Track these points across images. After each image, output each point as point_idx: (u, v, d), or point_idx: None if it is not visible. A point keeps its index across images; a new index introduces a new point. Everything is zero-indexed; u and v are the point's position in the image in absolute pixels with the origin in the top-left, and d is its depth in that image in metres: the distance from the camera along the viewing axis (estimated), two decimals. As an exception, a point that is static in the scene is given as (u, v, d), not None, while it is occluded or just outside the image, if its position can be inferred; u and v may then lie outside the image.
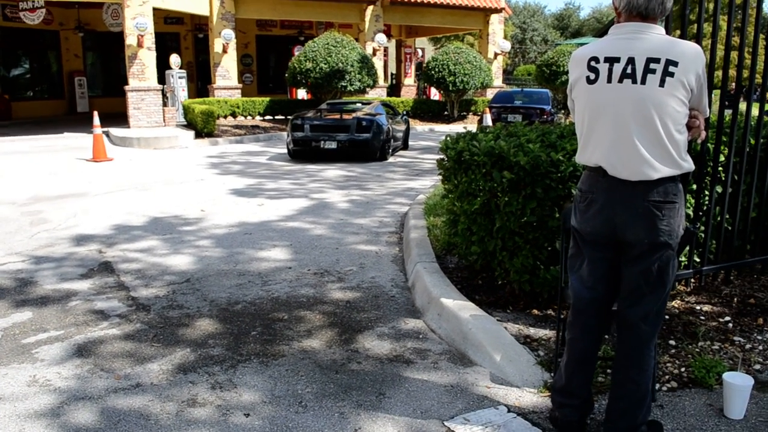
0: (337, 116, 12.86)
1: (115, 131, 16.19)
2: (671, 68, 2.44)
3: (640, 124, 2.48)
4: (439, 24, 25.31)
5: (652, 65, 2.46)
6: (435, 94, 26.82)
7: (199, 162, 12.49)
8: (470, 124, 22.54)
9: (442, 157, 4.83)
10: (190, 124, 17.21)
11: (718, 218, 4.33)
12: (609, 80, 2.52)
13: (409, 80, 30.40)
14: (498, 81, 25.94)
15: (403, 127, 14.91)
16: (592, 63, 2.57)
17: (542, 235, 3.99)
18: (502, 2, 25.34)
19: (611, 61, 2.52)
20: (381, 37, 23.00)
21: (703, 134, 2.65)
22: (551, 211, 3.93)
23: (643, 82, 2.46)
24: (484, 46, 26.06)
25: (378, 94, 22.33)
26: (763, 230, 4.71)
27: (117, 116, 19.26)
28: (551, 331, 3.80)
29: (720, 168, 4.26)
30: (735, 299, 4.29)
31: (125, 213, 7.62)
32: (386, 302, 4.55)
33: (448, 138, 4.73)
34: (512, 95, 16.24)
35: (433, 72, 22.11)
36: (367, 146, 12.54)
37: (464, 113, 23.98)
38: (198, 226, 6.96)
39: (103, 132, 14.75)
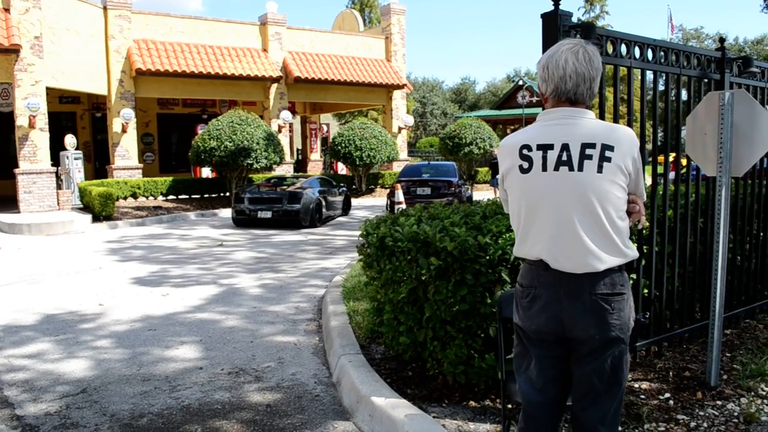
0: (272, 189, 15.15)
1: (3, 217, 15.11)
2: (608, 153, 2.34)
3: (582, 213, 2.35)
4: (343, 100, 25.66)
5: (588, 151, 2.35)
6: (342, 169, 26.94)
7: (96, 248, 11.73)
8: (379, 197, 22.67)
9: (362, 242, 4.60)
10: (87, 207, 16.33)
11: (645, 291, 4.30)
12: (544, 168, 2.39)
13: (316, 155, 30.48)
14: (404, 154, 26.39)
15: (341, 198, 17.13)
16: (524, 151, 2.43)
17: (475, 322, 3.79)
18: (403, 79, 26.05)
19: (544, 148, 2.40)
20: (286, 114, 23.01)
21: (644, 219, 2.55)
22: (482, 297, 3.75)
23: (581, 168, 2.34)
24: (388, 120, 26.56)
25: (285, 170, 22.15)
26: (685, 300, 4.73)
27: (7, 200, 18.09)
28: (492, 425, 3.55)
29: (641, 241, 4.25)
30: (671, 373, 4.22)
31: (12, 311, 6.90)
32: (311, 403, 4.18)
33: (369, 222, 4.53)
34: (420, 168, 16.42)
35: (339, 147, 22.21)
36: (298, 215, 14.41)
37: (372, 186, 24.11)
38: (96, 323, 6.36)
39: (-11, 219, 13.73)
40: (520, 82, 49.01)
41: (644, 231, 4.29)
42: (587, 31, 3.72)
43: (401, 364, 4.53)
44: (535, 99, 43.27)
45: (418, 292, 3.95)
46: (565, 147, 2.36)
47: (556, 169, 2.36)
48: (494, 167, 20.86)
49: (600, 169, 2.33)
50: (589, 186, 2.33)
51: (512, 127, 50.79)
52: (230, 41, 22.09)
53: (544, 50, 3.70)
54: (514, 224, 2.55)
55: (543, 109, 2.55)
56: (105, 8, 19.47)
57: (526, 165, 2.42)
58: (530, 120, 46.07)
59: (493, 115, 43.04)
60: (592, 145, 2.34)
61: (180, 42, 20.99)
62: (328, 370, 4.81)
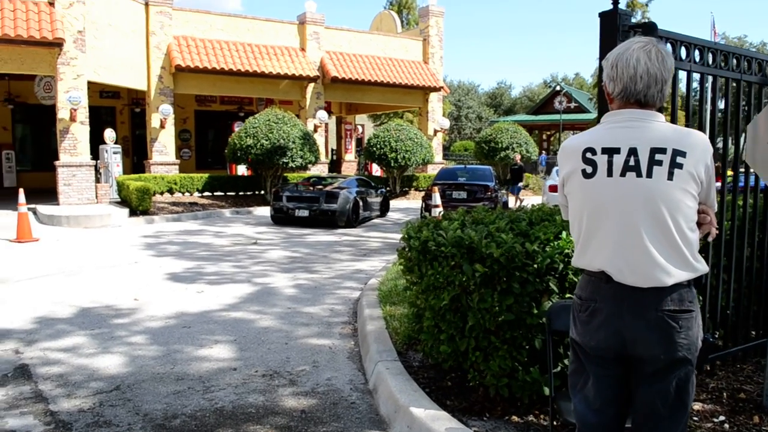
0: (311, 188, 15.19)
1: (43, 209, 15.32)
2: (679, 159, 2.17)
3: (650, 223, 2.18)
4: (379, 102, 25.59)
5: (658, 156, 2.18)
6: (377, 170, 26.84)
7: (133, 242, 11.80)
8: (413, 200, 22.53)
9: (403, 245, 4.47)
10: (124, 202, 16.49)
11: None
12: (609, 174, 2.23)
13: (350, 156, 30.47)
14: (439, 157, 26.21)
15: (379, 199, 17.19)
16: (588, 155, 2.27)
17: (520, 333, 3.63)
18: (440, 81, 25.88)
19: (610, 152, 2.24)
20: (322, 114, 23.01)
21: (714, 231, 2.37)
22: (529, 307, 3.60)
23: (649, 175, 2.18)
24: (423, 123, 26.41)
25: (319, 170, 22.14)
26: (740, 317, 4.50)
27: (47, 192, 18.34)
28: (535, 444, 3.40)
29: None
30: (724, 394, 4.01)
31: (50, 303, 6.92)
32: (346, 411, 4.06)
33: (410, 225, 4.39)
34: (456, 172, 16.23)
35: (374, 149, 22.12)
36: (334, 214, 14.43)
37: (406, 189, 23.99)
38: (131, 318, 6.34)
39: (30, 210, 13.93)
40: (558, 88, 48.53)
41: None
42: (649, 31, 3.53)
43: (440, 373, 4.39)
44: (573, 105, 42.81)
45: (461, 300, 3.81)
46: (633, 151, 2.20)
47: (623, 174, 2.20)
48: (515, 174, 20.41)
49: (670, 176, 2.17)
50: (659, 194, 2.17)
51: (548, 133, 50.28)
52: (269, 40, 22.17)
53: (601, 50, 3.53)
54: (574, 233, 2.39)
55: (603, 110, 2.40)
56: (147, 4, 19.68)
57: (589, 169, 2.26)
58: (568, 126, 45.56)
59: (529, 120, 42.63)
60: (663, 150, 2.18)
61: (219, 39, 21.12)
62: (364, 377, 4.69)
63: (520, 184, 20.01)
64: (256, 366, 4.92)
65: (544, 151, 23.35)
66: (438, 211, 9.91)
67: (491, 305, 3.59)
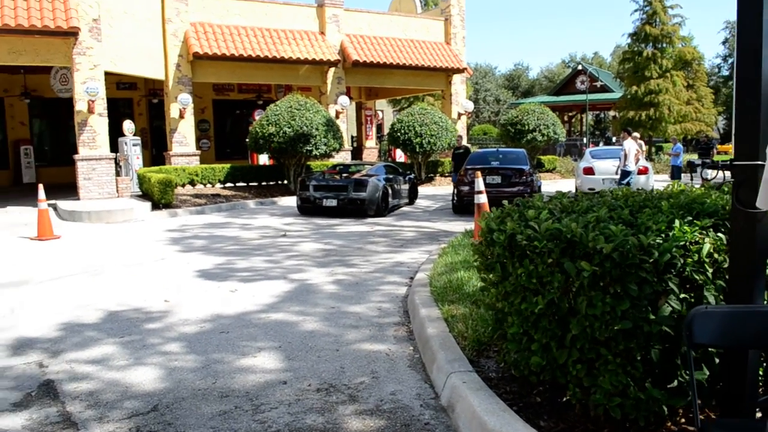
0: (337, 177, 14.74)
1: (64, 204, 14.88)
2: None
3: None
4: (401, 85, 24.90)
5: None
6: (400, 156, 26.21)
7: (157, 237, 11.30)
8: (439, 186, 21.90)
9: (478, 241, 3.88)
10: (145, 195, 16.01)
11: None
12: None
13: (371, 142, 29.82)
14: (464, 140, 25.48)
15: (407, 186, 16.55)
16: None
17: (637, 344, 3.03)
18: (463, 62, 25.14)
19: None
20: (344, 99, 22.38)
21: None
22: (646, 312, 2.99)
23: None
24: (447, 106, 25.70)
25: (343, 157, 21.55)
26: None
27: (66, 187, 17.93)
28: (663, 479, 2.80)
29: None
30: None
31: (75, 306, 6.42)
32: (422, 434, 3.49)
33: (490, 216, 3.79)
34: (488, 156, 15.54)
35: (399, 134, 21.46)
36: (363, 203, 13.89)
37: (431, 175, 23.35)
38: (163, 322, 5.81)
39: (50, 205, 13.50)
40: (579, 67, 47.43)
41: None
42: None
43: (525, 386, 3.79)
44: (598, 84, 41.79)
45: (560, 304, 3.21)
46: None
47: None
48: (458, 159, 18.28)
49: None
50: None
51: (570, 114, 49.26)
52: (287, 24, 21.53)
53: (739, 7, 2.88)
54: None
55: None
56: (162, -9, 19.12)
57: None
58: (594, 106, 44.52)
59: (550, 102, 41.62)
60: None
61: (237, 25, 20.52)
62: (433, 390, 4.11)
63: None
64: (308, 378, 4.36)
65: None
66: (481, 200, 9.21)
67: (602, 311, 2.99)
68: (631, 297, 2.97)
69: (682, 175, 20.89)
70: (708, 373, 3.18)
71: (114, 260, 8.99)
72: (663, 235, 3.13)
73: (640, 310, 2.98)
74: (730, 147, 35.10)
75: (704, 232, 3.21)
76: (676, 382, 3.15)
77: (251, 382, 4.31)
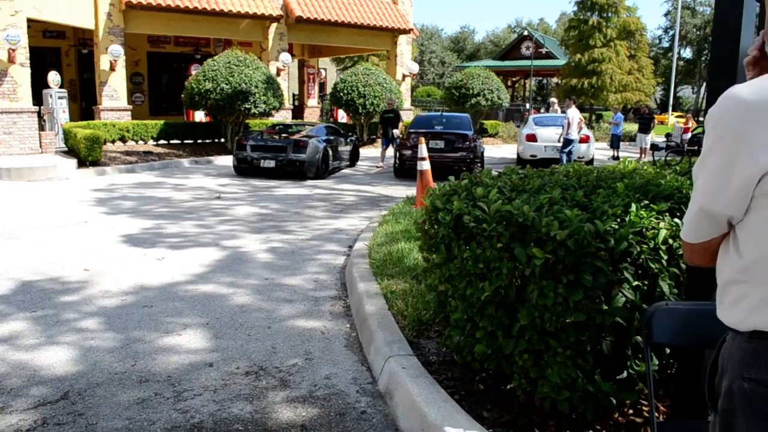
0: (276, 137, 14.19)
1: (-19, 159, 13.93)
2: None
3: None
4: (346, 44, 24.27)
5: None
6: (342, 117, 25.69)
7: (82, 197, 10.66)
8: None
9: (421, 218, 3.61)
10: (71, 151, 15.14)
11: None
12: None
13: (313, 101, 29.15)
14: (407, 103, 25.18)
15: (348, 148, 16.21)
16: None
17: (588, 336, 2.84)
18: (410, 23, 24.67)
19: None
20: (286, 57, 21.65)
21: None
22: (600, 303, 2.80)
23: None
24: (391, 67, 25.25)
25: (283, 116, 20.92)
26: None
27: (-16, 141, 16.79)
28: (611, 479, 2.65)
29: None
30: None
31: (-17, 275, 5.91)
32: (357, 425, 3.25)
33: (434, 193, 3.53)
34: (431, 120, 15.28)
35: (341, 94, 20.96)
36: (303, 165, 13.46)
37: (374, 136, 22.96)
38: (81, 294, 5.38)
39: (-35, 161, 12.58)
40: (525, 33, 47.42)
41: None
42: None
43: (467, 372, 3.59)
44: (544, 50, 41.81)
45: (508, 292, 2.99)
46: None
47: None
48: (387, 122, 16.56)
49: None
50: None
51: (513, 79, 49.35)
52: (228, -25, 20.55)
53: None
54: (745, 265, 1.43)
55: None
56: (92, -67, 17.86)
57: None
58: (538, 72, 44.63)
59: (495, 66, 41.51)
60: None
61: (173, -26, 19.43)
62: (370, 373, 3.87)
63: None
64: (236, 360, 4.05)
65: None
66: (424, 166, 8.95)
67: (554, 301, 2.78)
68: (585, 287, 2.77)
69: (621, 144, 21.16)
70: (657, 363, 3.05)
71: (32, 222, 8.39)
72: (618, 220, 2.94)
73: (594, 300, 2.78)
74: (666, 117, 35.86)
75: (660, 216, 3.03)
76: (625, 374, 2.99)
77: (174, 364, 3.98)
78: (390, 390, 3.51)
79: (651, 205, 3.08)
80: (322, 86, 32.29)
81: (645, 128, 19.67)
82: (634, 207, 3.00)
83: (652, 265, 2.93)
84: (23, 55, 15.01)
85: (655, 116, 24.99)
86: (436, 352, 3.92)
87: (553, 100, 26.19)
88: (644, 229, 2.93)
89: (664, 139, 21.79)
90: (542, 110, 31.47)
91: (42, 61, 20.01)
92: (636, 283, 2.91)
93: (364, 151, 19.88)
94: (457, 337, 3.38)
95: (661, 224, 2.98)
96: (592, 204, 3.08)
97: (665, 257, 2.98)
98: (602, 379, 2.92)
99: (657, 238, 2.93)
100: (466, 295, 3.20)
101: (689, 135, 21.46)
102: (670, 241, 3.00)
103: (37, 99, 16.10)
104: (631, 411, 3.11)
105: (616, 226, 2.88)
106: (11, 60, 14.78)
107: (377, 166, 16.26)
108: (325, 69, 35.85)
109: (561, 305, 2.78)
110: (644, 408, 3.11)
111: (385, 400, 3.50)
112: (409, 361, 3.66)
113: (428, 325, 4.27)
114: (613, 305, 2.82)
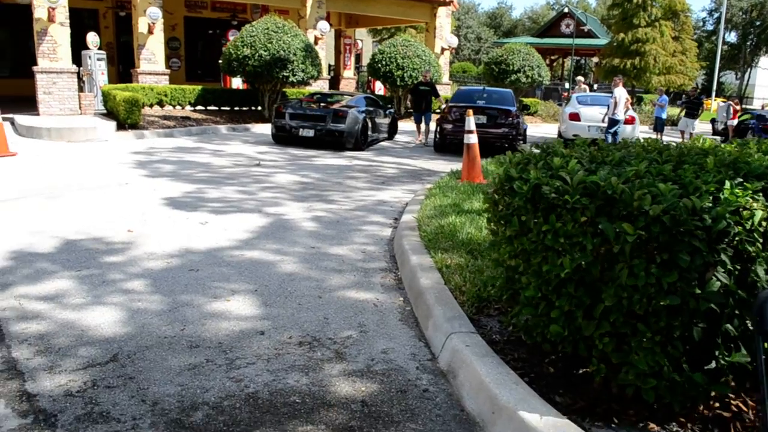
0: (315, 106, 13.86)
1: (22, 119, 13.96)
2: None
3: None
4: (384, 14, 23.85)
5: None
6: (380, 89, 25.37)
7: (122, 159, 10.61)
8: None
9: (491, 190, 3.40)
10: (110, 113, 15.12)
11: None
12: None
13: (349, 72, 28.85)
14: (446, 77, 24.74)
15: (387, 120, 15.97)
16: None
17: (681, 321, 2.63)
18: (451, -6, 24.14)
19: None
20: (323, 25, 21.34)
21: None
22: (694, 287, 2.58)
23: None
24: (430, 40, 24.78)
25: (320, 86, 20.67)
26: None
27: (26, 100, 16.83)
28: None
29: None
30: None
31: (28, 232, 5.84)
32: (420, 402, 3.09)
33: (509, 162, 3.31)
34: (473, 94, 14.93)
35: (380, 65, 20.64)
36: (342, 136, 13.22)
37: (411, 110, 22.64)
38: (126, 255, 5.29)
39: (7, 119, 12.63)
40: (565, 10, 46.35)
41: None
42: None
43: (534, 352, 3.41)
44: (586, 29, 40.81)
45: (591, 270, 2.78)
46: None
47: None
48: (421, 96, 15.67)
49: None
50: None
51: (552, 57, 48.38)
52: (268, -60, 20.26)
53: None
54: None
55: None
56: None
57: None
58: (578, 51, 43.67)
59: (534, 43, 40.59)
60: None
61: (214, -63, 19.20)
62: (428, 350, 3.70)
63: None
64: (288, 329, 3.91)
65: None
66: (471, 140, 8.68)
67: (645, 282, 2.57)
68: (680, 268, 2.55)
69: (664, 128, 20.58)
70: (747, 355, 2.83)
71: (74, 182, 8.35)
72: (712, 198, 2.70)
73: (689, 283, 2.57)
74: (709, 102, 34.82)
75: (756, 196, 2.79)
76: (713, 364, 2.78)
77: (224, 330, 3.85)
78: (453, 368, 3.34)
79: (745, 183, 2.84)
80: (358, 57, 31.93)
81: (693, 113, 18.97)
82: (728, 184, 2.76)
83: (749, 248, 2.70)
84: (62, 14, 14.95)
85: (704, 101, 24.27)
86: (499, 330, 3.73)
87: (580, 78, 25.63)
88: (741, 209, 2.69)
89: (709, 125, 21.13)
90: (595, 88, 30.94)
91: (80, 23, 19.99)
92: (731, 266, 2.68)
93: (402, 125, 19.59)
94: (528, 315, 3.19)
95: (755, 204, 2.74)
96: (683, 179, 2.85)
97: (760, 240, 2.74)
98: (689, 369, 2.72)
99: (753, 219, 2.69)
100: (541, 271, 3.00)
101: (735, 121, 20.79)
102: (765, 223, 2.76)
103: (76, 60, 16.07)
104: (717, 404, 2.90)
105: (711, 205, 2.65)
106: (51, 19, 14.73)
107: (418, 140, 15.88)
108: (361, 40, 35.45)
109: (653, 286, 2.57)
110: (732, 402, 2.90)
111: (448, 378, 3.33)
112: (473, 338, 3.48)
113: (488, 302, 4.08)
114: (707, 289, 2.60)
